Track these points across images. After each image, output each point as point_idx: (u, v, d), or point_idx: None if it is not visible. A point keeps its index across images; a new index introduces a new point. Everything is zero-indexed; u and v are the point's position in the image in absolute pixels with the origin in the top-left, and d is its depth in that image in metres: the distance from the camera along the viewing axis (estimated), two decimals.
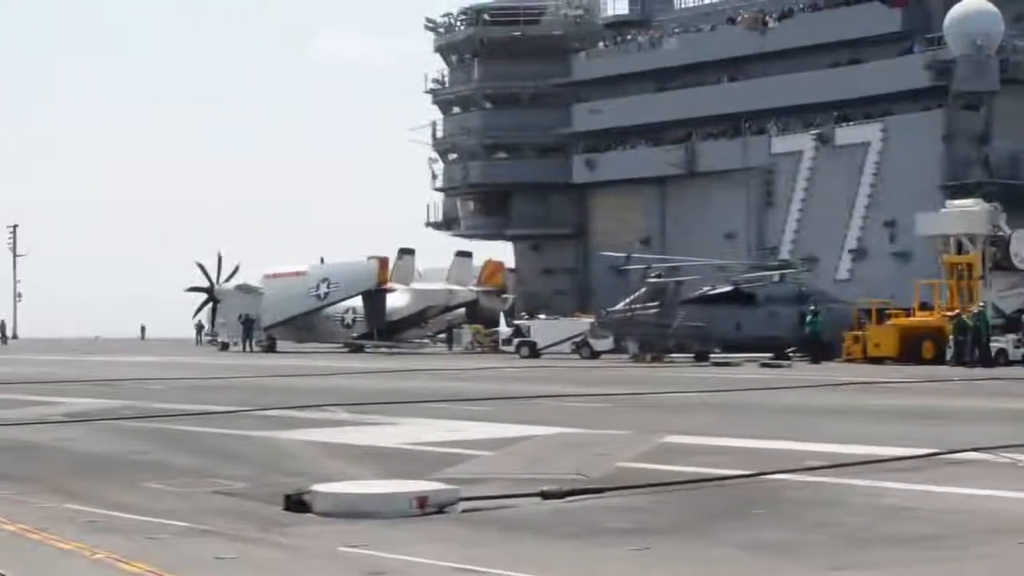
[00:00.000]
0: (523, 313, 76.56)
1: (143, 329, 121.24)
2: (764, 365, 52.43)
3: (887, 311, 57.86)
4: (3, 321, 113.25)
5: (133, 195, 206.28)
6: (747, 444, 18.51)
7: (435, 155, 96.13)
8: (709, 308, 59.76)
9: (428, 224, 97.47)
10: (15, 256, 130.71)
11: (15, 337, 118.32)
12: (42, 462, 16.78)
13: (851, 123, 75.94)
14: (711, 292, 61.88)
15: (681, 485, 13.79)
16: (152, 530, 11.07)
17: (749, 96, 79.44)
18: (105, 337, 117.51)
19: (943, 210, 60.82)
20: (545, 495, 12.59)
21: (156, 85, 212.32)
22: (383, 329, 76.40)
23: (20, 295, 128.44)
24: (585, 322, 66.07)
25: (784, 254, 73.87)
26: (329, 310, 78.07)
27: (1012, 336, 53.15)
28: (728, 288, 61.85)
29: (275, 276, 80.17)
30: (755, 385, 36.35)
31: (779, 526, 11.40)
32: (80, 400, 28.97)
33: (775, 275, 63.60)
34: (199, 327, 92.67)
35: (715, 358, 58.18)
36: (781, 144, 78.72)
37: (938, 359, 52.66)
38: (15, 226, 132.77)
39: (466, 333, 79.32)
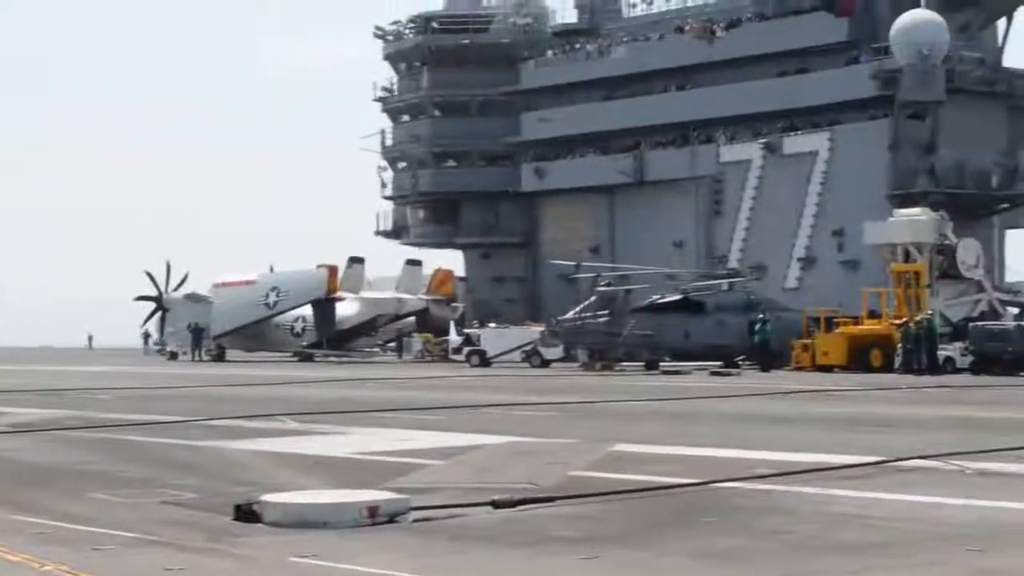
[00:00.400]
0: (473, 322, 76.61)
1: (90, 338, 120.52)
2: (714, 373, 52.57)
3: (835, 319, 58.13)
4: None
5: (77, 202, 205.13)
6: (697, 452, 18.55)
7: (384, 163, 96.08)
8: (658, 317, 59.90)
9: (378, 233, 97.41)
10: None
11: None
12: None
13: (799, 132, 76.35)
14: (660, 301, 62.02)
15: (631, 494, 13.80)
16: (100, 541, 10.99)
17: (697, 105, 79.79)
18: (52, 347, 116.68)
19: (890, 219, 61.25)
20: (496, 504, 12.57)
21: (100, 87, 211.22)
22: (333, 338, 76.24)
23: None
24: (535, 331, 66.09)
25: (733, 263, 74.25)
26: (279, 319, 77.84)
27: (959, 344, 53.48)
28: (677, 297, 62.02)
29: (224, 285, 79.81)
30: (705, 393, 36.45)
31: (729, 534, 11.43)
32: (26, 410, 28.72)
33: (724, 283, 63.84)
34: (146, 336, 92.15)
35: (665, 366, 58.24)
36: (729, 153, 79.09)
37: (886, 367, 52.96)
38: None
39: (416, 342, 79.23)
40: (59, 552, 10.42)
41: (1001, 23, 77.86)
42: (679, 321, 59.60)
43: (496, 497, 12.79)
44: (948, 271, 59.41)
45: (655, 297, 62.84)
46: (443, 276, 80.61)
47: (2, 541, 10.95)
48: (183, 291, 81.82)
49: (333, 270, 76.28)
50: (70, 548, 10.68)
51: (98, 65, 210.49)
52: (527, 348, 64.25)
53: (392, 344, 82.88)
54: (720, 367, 56.00)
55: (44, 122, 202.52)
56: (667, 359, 60.23)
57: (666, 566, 10.14)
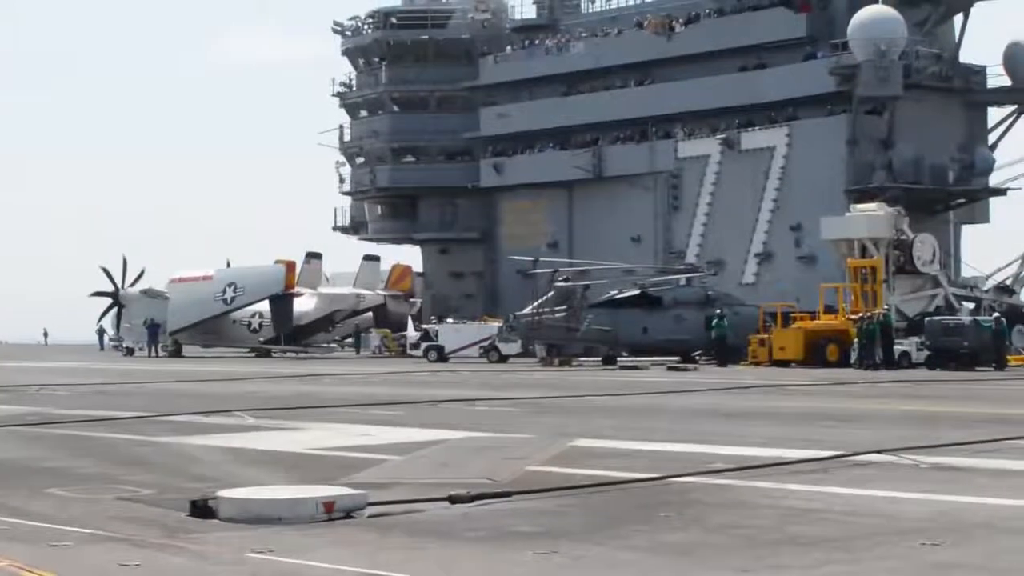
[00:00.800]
0: (431, 317, 76.55)
1: (45, 334, 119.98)
2: (671, 368, 52.72)
3: (792, 314, 58.38)
4: None
5: (31, 196, 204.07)
6: (654, 447, 18.60)
7: (342, 159, 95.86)
8: (616, 312, 60.03)
9: (336, 228, 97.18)
10: None
11: None
12: None
13: (757, 128, 76.49)
14: (618, 296, 62.16)
15: (589, 488, 13.82)
16: (55, 537, 10.94)
17: (656, 100, 79.87)
18: (5, 342, 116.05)
19: (847, 214, 61.49)
20: (452, 499, 12.57)
21: (56, 82, 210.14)
22: (290, 333, 76.10)
23: None
24: (493, 326, 66.16)
25: (690, 258, 74.36)
26: (236, 314, 77.62)
27: (915, 339, 53.77)
28: (635, 292, 62.14)
29: (181, 280, 79.58)
30: (662, 388, 36.53)
31: (686, 529, 11.46)
32: None
33: (682, 279, 63.99)
34: (101, 332, 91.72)
35: (622, 362, 58.39)
36: (687, 148, 79.17)
37: (843, 362, 53.19)
38: None
39: (374, 337, 79.17)
40: (14, 548, 10.36)
41: (958, 19, 78.18)
42: (637, 316, 59.74)
43: (453, 492, 12.79)
44: (904, 266, 59.70)
45: (613, 292, 62.99)
46: (401, 271, 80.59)
47: None
48: (139, 287, 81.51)
49: (291, 265, 76.14)
50: (26, 544, 10.62)
51: (48, 60, 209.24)
52: (485, 343, 64.30)
53: (350, 340, 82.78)
54: (677, 362, 56.16)
55: (4, 121, 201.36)
56: (625, 354, 60.39)
57: (624, 560, 10.16)
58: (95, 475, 15.62)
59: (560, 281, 62.48)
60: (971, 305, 62.01)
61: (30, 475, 15.62)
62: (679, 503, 12.95)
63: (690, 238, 78.55)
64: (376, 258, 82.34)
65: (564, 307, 60.49)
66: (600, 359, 59.38)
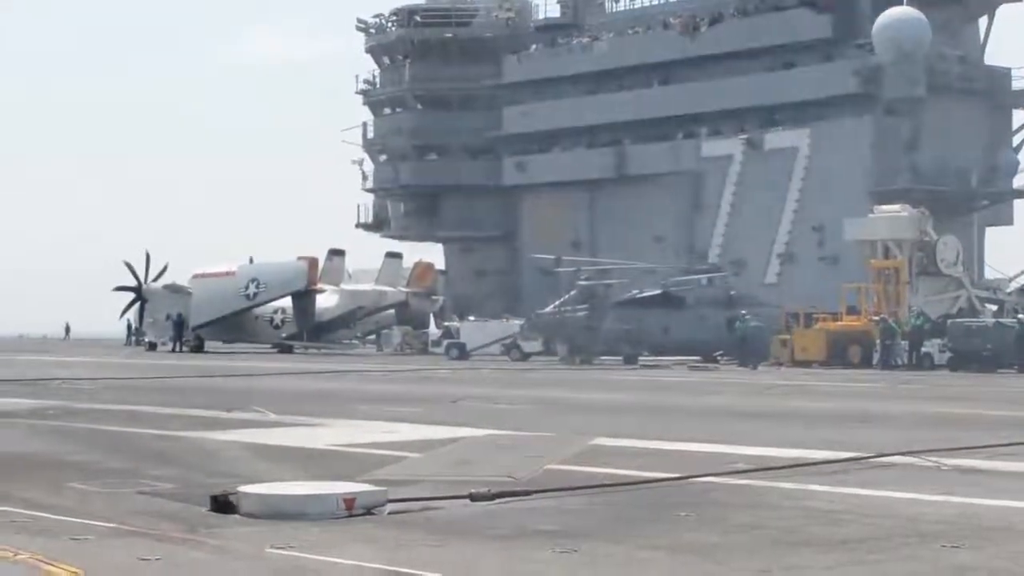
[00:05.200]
0: (453, 315, 76.57)
1: (68, 328, 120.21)
2: (692, 368, 52.65)
3: (814, 315, 58.28)
4: None
5: (55, 193, 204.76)
6: (675, 447, 18.57)
7: (365, 156, 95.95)
8: (638, 311, 60.01)
9: (358, 225, 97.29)
10: None
11: None
12: None
13: (780, 128, 76.37)
14: (640, 295, 62.11)
15: (609, 487, 13.80)
16: (77, 531, 10.96)
17: (680, 100, 79.84)
18: (29, 335, 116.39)
19: (871, 215, 61.37)
20: (473, 497, 12.57)
21: (80, 79, 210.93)
22: (312, 330, 76.19)
23: None
24: (515, 324, 66.13)
25: (713, 258, 74.29)
26: (258, 310, 77.77)
27: (938, 341, 53.64)
28: (657, 291, 62.09)
29: (204, 276, 79.72)
30: (684, 388, 36.49)
31: (706, 529, 11.44)
32: (5, 400, 28.65)
33: (704, 279, 63.90)
34: (130, 326, 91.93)
35: (644, 361, 58.32)
36: (711, 148, 79.12)
37: (865, 363, 53.07)
38: None
39: (395, 334, 79.21)
40: (36, 542, 10.38)
41: (983, 21, 78.03)
42: (659, 316, 59.71)
43: (473, 490, 12.79)
44: (928, 267, 59.58)
45: (635, 292, 62.93)
46: (423, 269, 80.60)
47: None
48: (163, 282, 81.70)
49: (313, 262, 76.23)
50: (47, 538, 10.65)
51: (71, 58, 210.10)
52: (507, 341, 64.32)
53: (371, 336, 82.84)
54: (699, 362, 56.09)
55: (32, 118, 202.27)
56: (646, 353, 60.34)
57: (644, 559, 10.14)
58: (117, 469, 15.65)
59: (582, 280, 62.46)
60: (994, 307, 61.82)
61: (52, 469, 15.65)
62: (700, 503, 12.93)
63: (712, 238, 78.50)
64: (399, 255, 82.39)
65: (586, 306, 60.48)
66: (621, 358, 59.32)
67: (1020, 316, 56.19)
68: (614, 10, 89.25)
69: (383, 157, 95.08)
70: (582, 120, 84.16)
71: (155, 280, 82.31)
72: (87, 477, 14.65)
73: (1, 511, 12.11)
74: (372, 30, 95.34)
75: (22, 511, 12.11)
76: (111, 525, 11.26)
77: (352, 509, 11.81)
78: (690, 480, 14.47)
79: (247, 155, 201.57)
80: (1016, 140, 77.32)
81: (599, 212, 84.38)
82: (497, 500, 12.59)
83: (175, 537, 10.78)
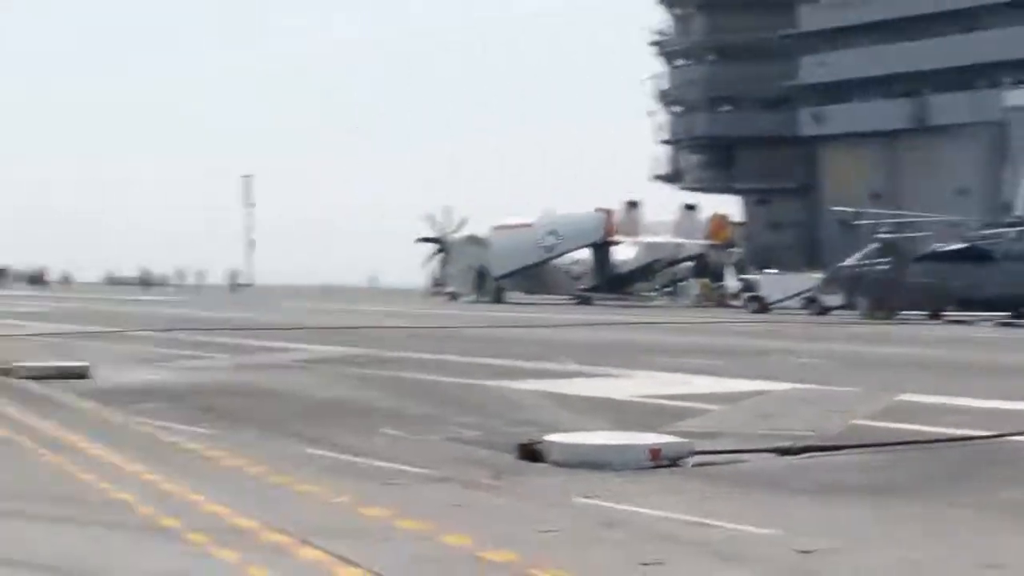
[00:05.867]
0: (752, 268, 76.02)
1: (373, 278, 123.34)
2: (1002, 324, 51.16)
3: None
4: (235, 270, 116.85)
5: (366, 153, 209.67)
6: (987, 405, 18.05)
7: (657, 107, 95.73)
8: (942, 265, 58.44)
9: (655, 177, 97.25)
10: (247, 206, 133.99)
11: (250, 284, 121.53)
12: (282, 407, 17.17)
13: None
14: (944, 249, 60.53)
15: (918, 444, 13.53)
16: (388, 476, 11.23)
17: (982, 48, 77.43)
18: (332, 285, 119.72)
19: None
20: (782, 452, 12.49)
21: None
22: (610, 281, 76.56)
23: (253, 242, 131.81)
24: (814, 278, 65.29)
25: (1020, 211, 71.98)
26: (556, 262, 78.50)
27: None
28: (963, 245, 60.41)
29: (503, 228, 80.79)
30: (992, 345, 35.53)
31: (1019, 487, 11.13)
32: (319, 347, 29.65)
33: (1011, 232, 61.93)
34: (433, 277, 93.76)
35: (948, 316, 56.94)
36: (1016, 98, 76.55)
37: None
38: (249, 176, 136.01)
39: (693, 287, 79.04)
40: (350, 485, 10.68)
41: None
42: (964, 270, 58.03)
43: (780, 444, 12.71)
44: None
45: (938, 245, 61.37)
46: (720, 222, 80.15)
47: (294, 473, 11.28)
48: (463, 233, 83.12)
49: (610, 214, 76.54)
50: (360, 481, 10.94)
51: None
52: (806, 295, 63.53)
53: (668, 289, 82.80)
54: (1009, 318, 54.42)
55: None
56: (951, 309, 58.84)
57: (955, 518, 9.92)
58: (424, 416, 15.99)
59: (883, 233, 61.22)
60: None
61: (362, 415, 16.09)
62: (1013, 461, 12.59)
63: (1020, 189, 76.02)
64: (694, 207, 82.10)
65: (887, 260, 59.26)
66: (924, 313, 58.02)
67: None
68: None
69: (677, 108, 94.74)
70: (882, 69, 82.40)
71: (455, 232, 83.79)
72: (396, 423, 15.01)
73: (318, 454, 12.51)
74: None
75: (335, 455, 12.48)
76: (421, 470, 11.51)
77: (657, 460, 11.84)
78: (1005, 439, 14.08)
79: (538, 106, 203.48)
80: None
81: (899, 163, 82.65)
82: (803, 454, 12.48)
83: (484, 483, 10.96)
